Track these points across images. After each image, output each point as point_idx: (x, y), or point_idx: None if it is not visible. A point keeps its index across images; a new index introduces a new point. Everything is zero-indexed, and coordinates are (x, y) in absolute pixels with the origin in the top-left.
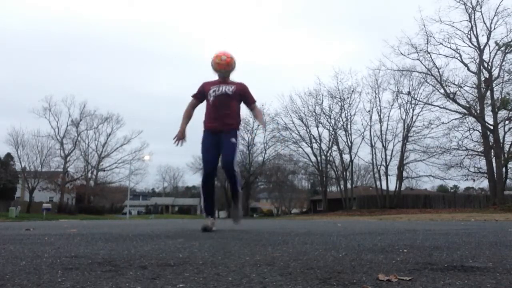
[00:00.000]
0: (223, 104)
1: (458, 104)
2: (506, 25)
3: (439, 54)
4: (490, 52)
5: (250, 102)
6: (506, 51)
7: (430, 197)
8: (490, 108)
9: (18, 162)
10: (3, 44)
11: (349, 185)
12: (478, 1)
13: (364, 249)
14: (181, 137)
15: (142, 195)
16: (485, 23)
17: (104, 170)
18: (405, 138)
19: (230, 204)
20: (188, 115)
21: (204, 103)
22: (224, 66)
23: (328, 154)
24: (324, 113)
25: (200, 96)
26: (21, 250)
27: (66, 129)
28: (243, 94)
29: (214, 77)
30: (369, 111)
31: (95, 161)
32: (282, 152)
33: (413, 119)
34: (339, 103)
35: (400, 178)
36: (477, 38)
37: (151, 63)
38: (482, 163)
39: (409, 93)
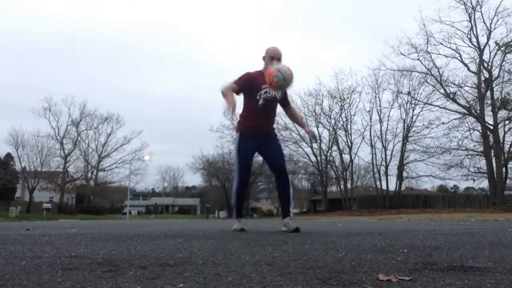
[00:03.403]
0: (271, 111)
1: (458, 104)
2: (506, 25)
3: (439, 54)
4: (490, 52)
5: (287, 103)
6: (506, 51)
7: (430, 197)
8: (490, 108)
9: (18, 162)
10: (3, 44)
11: (349, 185)
12: (478, 1)
13: (364, 249)
14: (235, 106)
15: (142, 195)
16: (485, 23)
17: (104, 170)
18: (405, 138)
19: (230, 204)
20: (231, 92)
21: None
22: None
23: (328, 154)
24: (324, 113)
25: (244, 87)
26: (21, 250)
27: (66, 129)
28: (284, 95)
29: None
30: (369, 111)
31: (95, 161)
32: None
33: (413, 119)
34: (339, 103)
35: (400, 178)
36: (477, 38)
37: (151, 64)
38: (482, 163)
39: (409, 93)
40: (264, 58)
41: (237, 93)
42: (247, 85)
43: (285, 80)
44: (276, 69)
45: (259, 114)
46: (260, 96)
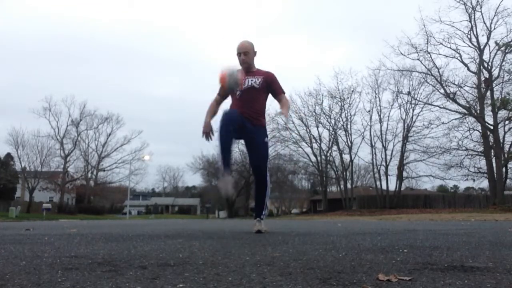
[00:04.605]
0: (251, 100)
1: (458, 104)
2: (506, 25)
3: (439, 54)
4: (490, 52)
5: (278, 92)
6: (506, 51)
7: (430, 197)
8: (490, 108)
9: (18, 162)
10: (3, 44)
11: (349, 185)
12: (478, 1)
13: (364, 249)
14: (208, 130)
15: (142, 195)
16: (485, 23)
17: (104, 170)
18: (405, 138)
19: (231, 205)
20: (212, 110)
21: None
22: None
23: (328, 154)
24: (324, 113)
25: (224, 92)
26: (21, 250)
27: (66, 129)
28: (270, 85)
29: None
30: (369, 111)
31: (95, 161)
32: (282, 152)
33: (413, 119)
34: (339, 103)
35: (400, 178)
36: (477, 38)
37: (151, 64)
38: (482, 163)
39: (409, 93)
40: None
41: (224, 99)
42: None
43: (235, 82)
44: (227, 73)
45: (238, 104)
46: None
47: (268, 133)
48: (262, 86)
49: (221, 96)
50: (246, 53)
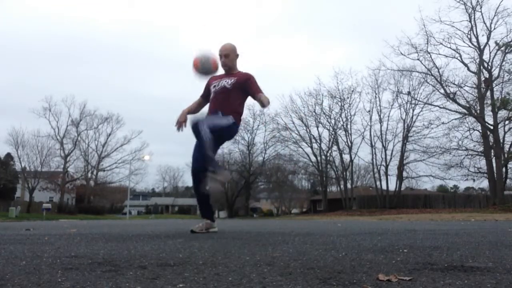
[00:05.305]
0: (222, 100)
1: (458, 104)
2: (506, 25)
3: (439, 54)
4: (490, 52)
5: (254, 92)
6: (506, 51)
7: (430, 197)
8: (490, 108)
9: (18, 162)
10: (3, 44)
11: (349, 185)
12: (478, 1)
13: (364, 249)
14: (182, 120)
15: (142, 195)
16: (485, 23)
17: (104, 170)
18: (405, 138)
19: (231, 205)
20: (193, 106)
21: None
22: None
23: (328, 154)
24: (324, 113)
25: (206, 92)
26: (21, 250)
27: (66, 129)
28: (245, 85)
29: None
30: (369, 111)
31: (95, 161)
32: (282, 152)
33: (413, 119)
34: (339, 103)
35: (400, 178)
36: (477, 38)
37: (151, 64)
38: (482, 163)
39: (409, 93)
40: None
41: (206, 102)
42: (207, 88)
43: (208, 67)
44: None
45: (210, 108)
46: (211, 92)
47: (268, 133)
48: (233, 86)
49: (204, 99)
50: (226, 55)
